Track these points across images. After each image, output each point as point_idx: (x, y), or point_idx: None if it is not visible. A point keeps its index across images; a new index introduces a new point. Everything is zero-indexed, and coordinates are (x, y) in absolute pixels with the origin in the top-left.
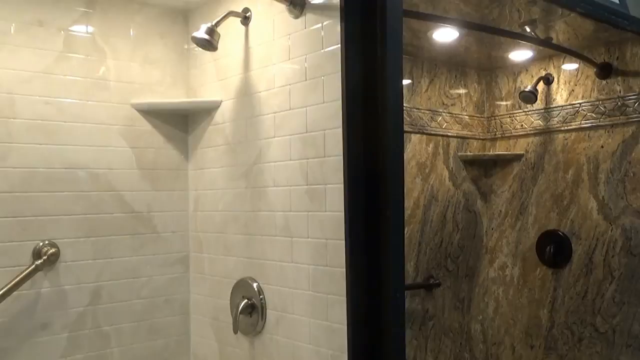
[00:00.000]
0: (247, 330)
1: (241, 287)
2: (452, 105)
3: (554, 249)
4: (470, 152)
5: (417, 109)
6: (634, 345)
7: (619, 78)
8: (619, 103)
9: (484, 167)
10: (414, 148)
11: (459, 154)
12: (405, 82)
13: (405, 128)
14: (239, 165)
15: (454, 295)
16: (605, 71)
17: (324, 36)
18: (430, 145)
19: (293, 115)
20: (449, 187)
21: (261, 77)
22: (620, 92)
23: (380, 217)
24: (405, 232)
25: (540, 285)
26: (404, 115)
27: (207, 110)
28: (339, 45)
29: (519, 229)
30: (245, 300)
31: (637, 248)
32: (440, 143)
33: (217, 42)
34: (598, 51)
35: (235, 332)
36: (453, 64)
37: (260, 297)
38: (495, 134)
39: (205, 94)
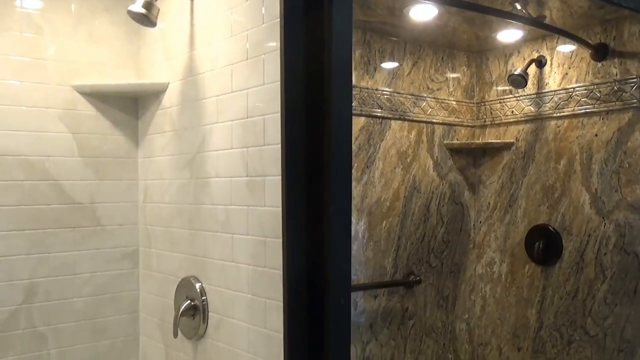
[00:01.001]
0: (190, 334)
1: (184, 286)
2: (438, 89)
3: (543, 244)
4: (457, 140)
5: (398, 93)
6: (626, 350)
7: (616, 60)
8: (615, 87)
9: (472, 156)
10: (394, 135)
11: (445, 142)
12: (390, 65)
13: (385, 114)
14: (184, 153)
15: (437, 292)
16: (601, 53)
17: (264, 8)
18: (413, 133)
19: (234, 98)
20: (433, 177)
21: (205, 56)
22: (616, 75)
23: (324, 213)
24: (384, 225)
25: (529, 283)
26: (383, 101)
27: (155, 93)
28: (279, 19)
29: (508, 222)
30: (188, 302)
31: (631, 245)
32: (424, 130)
33: (156, 17)
34: (594, 31)
35: (175, 335)
36: (439, 46)
37: (203, 298)
38: (484, 121)
39: (155, 75)
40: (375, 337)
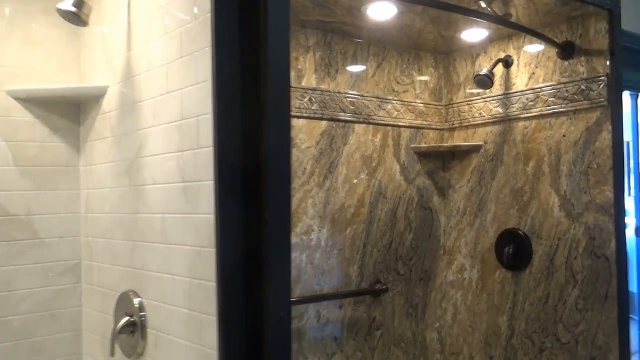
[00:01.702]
0: (130, 352)
1: (124, 301)
2: (404, 92)
3: (513, 249)
4: (425, 143)
5: (362, 96)
6: (598, 357)
7: (583, 58)
8: (583, 86)
9: (441, 160)
10: (359, 140)
11: (412, 145)
12: (353, 67)
13: (348, 117)
14: (123, 160)
15: (406, 301)
16: (567, 51)
17: (197, 2)
18: (378, 137)
19: (170, 99)
20: (400, 182)
21: (142, 56)
22: (584, 74)
23: (260, 221)
24: (348, 233)
25: (499, 289)
26: (346, 104)
27: (95, 98)
28: (210, 14)
29: (478, 227)
30: (127, 318)
31: (601, 249)
32: (390, 134)
33: (88, 15)
34: (560, 29)
35: (112, 354)
36: (405, 47)
37: (142, 314)
38: (453, 124)
39: (96, 79)
40: (340, 349)
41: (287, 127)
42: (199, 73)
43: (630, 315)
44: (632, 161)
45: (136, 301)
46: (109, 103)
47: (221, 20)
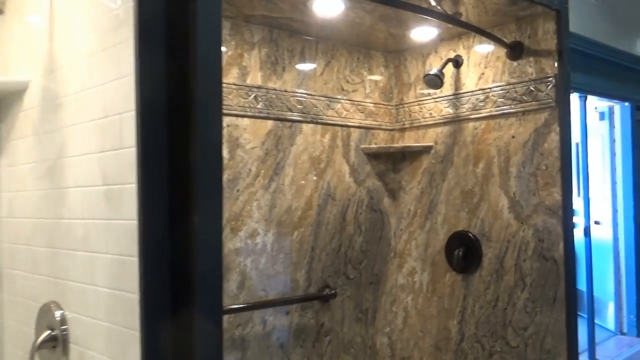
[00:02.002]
0: None
1: (45, 313)
2: (353, 91)
3: (463, 252)
4: (376, 144)
5: (309, 95)
6: None
7: (531, 59)
8: (531, 87)
9: (391, 161)
10: (306, 140)
11: (362, 146)
12: (300, 65)
13: (295, 117)
14: (45, 160)
15: (355, 305)
16: (516, 51)
17: None
18: (327, 137)
19: (92, 95)
20: (349, 184)
21: (65, 48)
22: (532, 74)
23: (189, 226)
24: (295, 236)
25: (449, 292)
26: (293, 103)
27: (17, 93)
28: (133, 2)
29: (429, 230)
30: (48, 332)
31: (549, 251)
32: (339, 134)
33: (4, 3)
34: (509, 29)
35: None
36: (355, 45)
37: (63, 327)
38: (404, 124)
39: (16, 72)
40: (287, 357)
41: (219, 125)
42: (122, 66)
43: (579, 313)
44: (580, 162)
45: (57, 313)
46: (31, 98)
47: (146, 8)
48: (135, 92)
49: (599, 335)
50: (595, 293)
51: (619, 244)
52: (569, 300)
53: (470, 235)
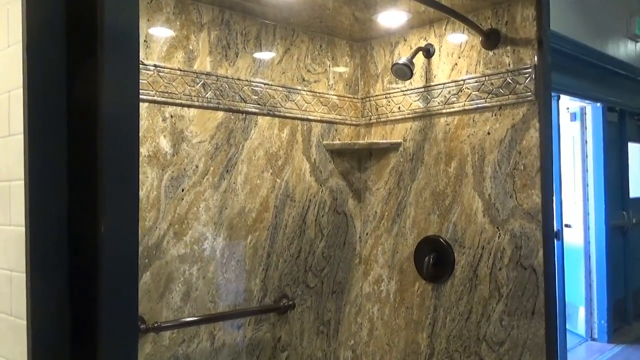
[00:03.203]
0: None
1: None
2: (315, 82)
3: (434, 259)
4: (340, 140)
5: (265, 84)
6: None
7: (508, 48)
8: (509, 79)
9: (357, 159)
10: (262, 134)
11: (325, 142)
12: (255, 51)
13: (250, 108)
14: None
15: (316, 317)
16: (492, 40)
17: None
18: (285, 131)
19: None
20: (310, 183)
21: None
22: (509, 65)
23: (94, 234)
24: (249, 241)
25: (419, 303)
26: (247, 92)
27: None
28: None
29: (397, 234)
30: None
31: (527, 259)
32: (299, 128)
33: None
34: (484, 15)
35: None
36: (317, 32)
37: None
38: (370, 119)
39: None
40: None
41: (134, 111)
42: (10, 32)
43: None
44: (552, 163)
45: None
46: None
47: None
48: (22, 64)
49: (569, 341)
50: (566, 298)
51: (590, 248)
52: (549, 312)
53: (442, 240)
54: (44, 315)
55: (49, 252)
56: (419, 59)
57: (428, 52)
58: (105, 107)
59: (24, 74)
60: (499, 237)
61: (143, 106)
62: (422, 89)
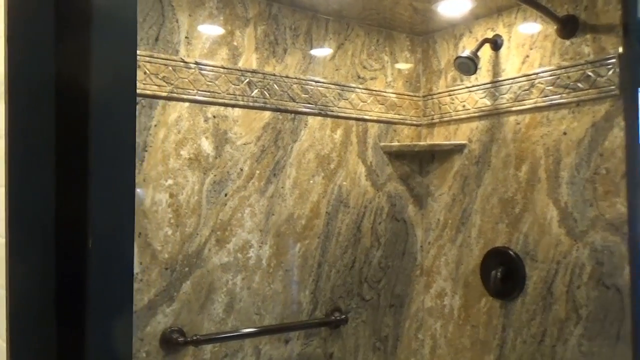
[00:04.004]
0: None
1: None
2: (371, 79)
3: (502, 273)
4: (398, 141)
5: (317, 82)
6: None
7: (588, 36)
8: (588, 71)
9: (417, 162)
10: (313, 135)
11: (382, 144)
12: (306, 46)
13: (300, 108)
14: None
15: (372, 332)
16: (569, 27)
17: None
18: (338, 132)
19: None
20: (366, 188)
21: None
22: (589, 55)
23: (82, 251)
24: (298, 250)
25: (485, 321)
26: (297, 91)
27: None
28: None
29: (461, 244)
30: None
31: (611, 277)
32: (354, 129)
33: None
34: (560, 1)
35: None
36: (374, 25)
37: None
38: (432, 118)
39: None
40: None
41: (131, 108)
42: None
43: None
44: None
45: None
46: None
47: None
48: (4, 53)
49: None
50: None
51: None
52: (636, 339)
53: (511, 252)
54: (25, 335)
55: (31, 269)
56: (486, 52)
57: (496, 43)
58: (95, 100)
59: (5, 66)
60: (577, 250)
61: (184, 106)
62: (489, 85)
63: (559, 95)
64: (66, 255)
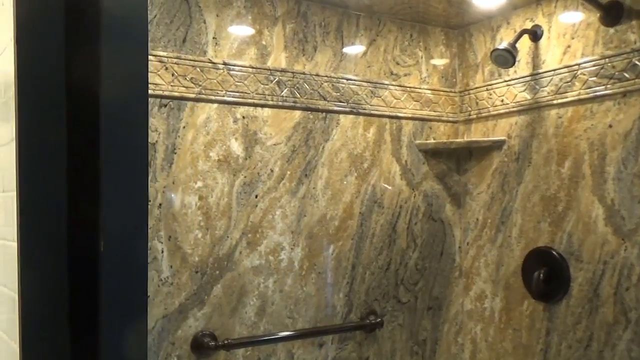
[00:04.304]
0: None
1: None
2: (405, 75)
3: (545, 274)
4: (434, 139)
5: (348, 79)
6: None
7: (634, 22)
8: (635, 60)
9: (454, 160)
10: (345, 134)
11: (417, 141)
12: (336, 43)
13: (331, 106)
14: None
15: (409, 336)
16: (613, 14)
17: None
18: (371, 131)
19: None
20: (401, 187)
21: None
22: (635, 43)
23: (91, 253)
24: (331, 251)
25: (528, 325)
26: (328, 89)
27: None
28: None
29: (501, 244)
30: None
31: None
32: (387, 127)
33: None
34: None
35: None
36: (406, 19)
37: None
38: (469, 114)
39: None
40: None
41: (144, 106)
42: None
43: None
44: None
45: None
46: None
47: None
48: (14, 46)
49: None
50: None
51: None
52: None
53: (554, 253)
54: (37, 336)
55: (42, 270)
56: (524, 44)
57: (535, 34)
58: (106, 103)
59: (15, 61)
60: (625, 250)
61: (212, 107)
62: (529, 78)
63: (604, 86)
64: (79, 260)
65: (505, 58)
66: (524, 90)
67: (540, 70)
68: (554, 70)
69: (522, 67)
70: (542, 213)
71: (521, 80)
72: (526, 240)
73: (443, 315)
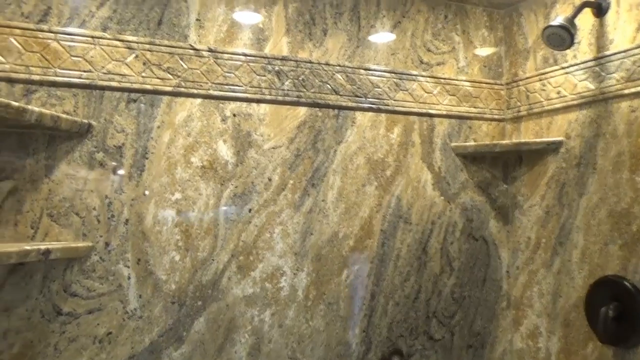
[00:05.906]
0: None
1: None
2: (438, 64)
3: (615, 311)
4: (475, 140)
5: (366, 69)
6: None
7: None
8: None
9: (500, 166)
10: (362, 135)
11: (453, 144)
12: (351, 26)
13: (345, 102)
14: None
15: None
16: None
17: None
18: (395, 131)
19: None
20: (433, 199)
21: None
22: None
23: None
24: (344, 277)
25: None
26: (340, 81)
27: None
28: None
29: (559, 270)
30: None
31: None
32: (416, 127)
33: None
34: None
35: None
36: None
37: None
38: (519, 111)
39: None
40: None
41: None
42: None
43: None
44: None
45: None
46: None
47: None
48: None
49: None
50: None
51: None
52: None
53: (627, 284)
54: None
55: None
56: (586, 20)
57: (599, 8)
58: None
59: None
60: None
61: (194, 103)
62: (593, 63)
63: None
64: None
65: (561, 37)
66: (586, 79)
67: (607, 53)
68: (625, 51)
69: (584, 49)
70: (610, 233)
71: (582, 66)
72: (590, 267)
73: (486, 355)
